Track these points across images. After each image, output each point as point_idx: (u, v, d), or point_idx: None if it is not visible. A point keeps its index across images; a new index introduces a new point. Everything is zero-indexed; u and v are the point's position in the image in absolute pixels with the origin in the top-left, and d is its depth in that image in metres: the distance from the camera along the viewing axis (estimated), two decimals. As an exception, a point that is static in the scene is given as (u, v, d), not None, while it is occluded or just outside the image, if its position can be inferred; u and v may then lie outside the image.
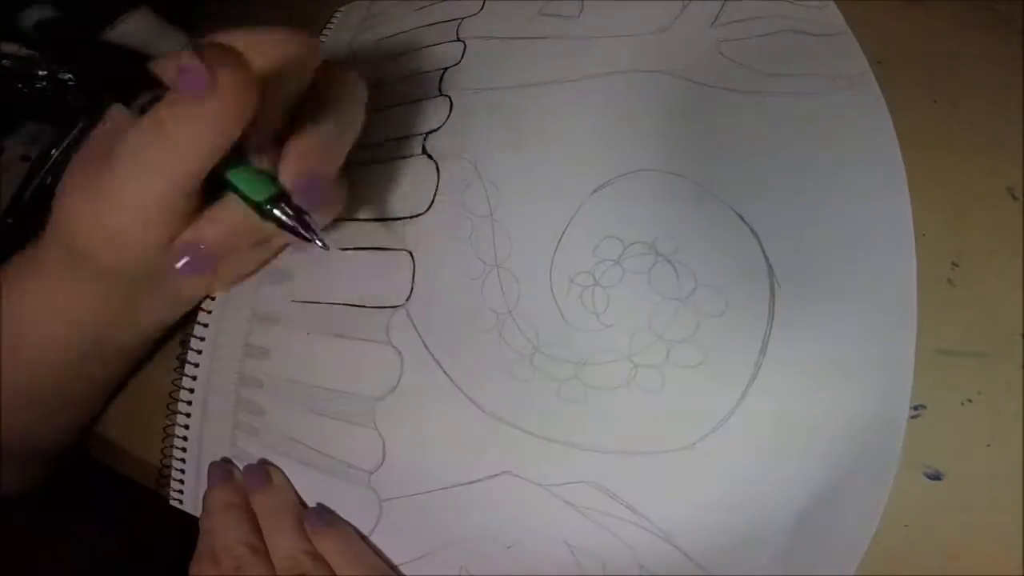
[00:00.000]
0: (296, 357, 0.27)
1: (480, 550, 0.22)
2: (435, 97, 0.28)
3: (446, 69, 0.28)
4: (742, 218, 0.21)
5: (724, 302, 0.20)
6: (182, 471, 0.29)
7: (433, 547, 0.23)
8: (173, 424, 0.29)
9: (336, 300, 0.26)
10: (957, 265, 0.19)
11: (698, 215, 0.21)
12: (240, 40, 0.20)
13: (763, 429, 0.19)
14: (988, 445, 0.18)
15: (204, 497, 0.27)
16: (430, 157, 0.27)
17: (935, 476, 0.17)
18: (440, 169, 0.26)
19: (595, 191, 0.23)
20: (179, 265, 0.21)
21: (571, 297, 0.22)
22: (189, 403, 0.29)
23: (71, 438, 0.31)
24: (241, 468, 0.27)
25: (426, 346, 0.24)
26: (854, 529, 0.18)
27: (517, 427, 0.22)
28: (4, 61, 0.40)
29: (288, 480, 0.26)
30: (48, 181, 0.40)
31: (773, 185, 0.21)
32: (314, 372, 0.26)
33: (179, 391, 0.29)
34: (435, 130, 0.27)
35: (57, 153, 0.41)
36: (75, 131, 0.42)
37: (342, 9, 0.37)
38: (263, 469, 0.26)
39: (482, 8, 0.29)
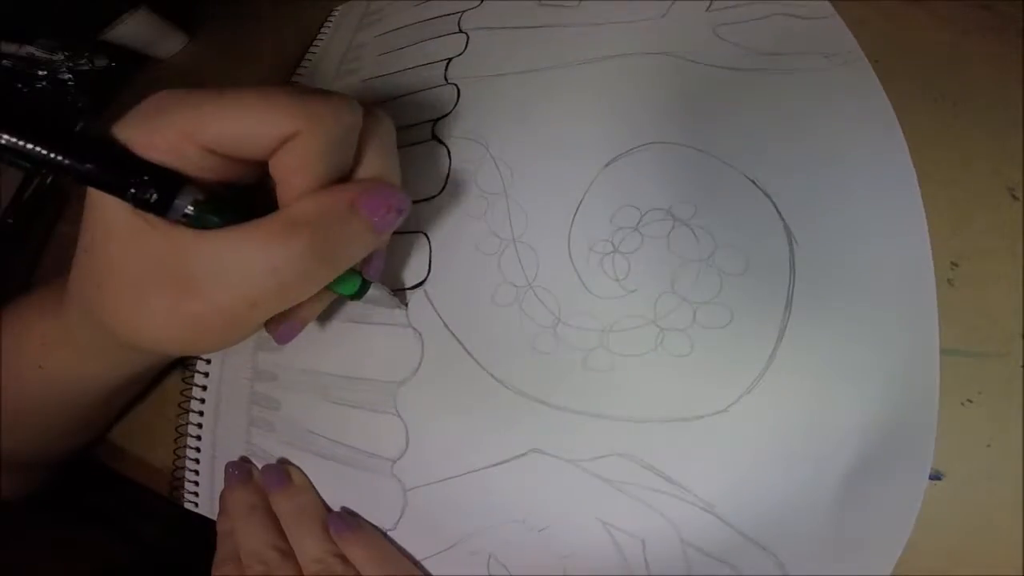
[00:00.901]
0: (311, 346, 0.26)
1: (510, 535, 0.21)
2: (442, 86, 0.28)
3: (451, 59, 0.28)
4: (755, 183, 0.21)
5: (745, 260, 0.20)
6: (196, 472, 0.28)
7: (461, 536, 0.22)
8: (186, 424, 0.28)
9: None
10: (957, 265, 0.19)
11: (712, 182, 0.21)
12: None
13: (797, 387, 0.19)
14: (988, 445, 0.18)
15: (222, 498, 0.25)
16: (440, 141, 0.26)
17: (935, 476, 0.17)
18: (451, 152, 0.26)
19: (608, 164, 0.23)
20: (276, 337, 0.21)
21: (591, 265, 0.22)
22: (202, 401, 0.28)
23: (79, 451, 0.31)
24: (259, 466, 0.26)
25: (446, 325, 0.23)
26: (904, 489, 0.17)
27: (543, 402, 0.21)
28: (4, 61, 0.40)
29: (308, 479, 0.25)
30: (48, 181, 0.40)
31: (783, 152, 0.21)
32: (331, 360, 0.25)
33: (191, 389, 0.28)
34: (444, 116, 0.27)
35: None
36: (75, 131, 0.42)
37: (339, 8, 0.37)
38: (282, 469, 0.25)
39: (482, 1, 0.30)
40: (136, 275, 0.18)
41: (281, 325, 0.21)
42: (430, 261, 0.25)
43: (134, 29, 0.41)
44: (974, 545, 0.17)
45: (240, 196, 0.19)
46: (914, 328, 0.19)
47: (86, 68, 0.41)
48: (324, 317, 0.26)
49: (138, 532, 0.33)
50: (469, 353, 0.23)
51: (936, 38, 0.23)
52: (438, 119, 0.27)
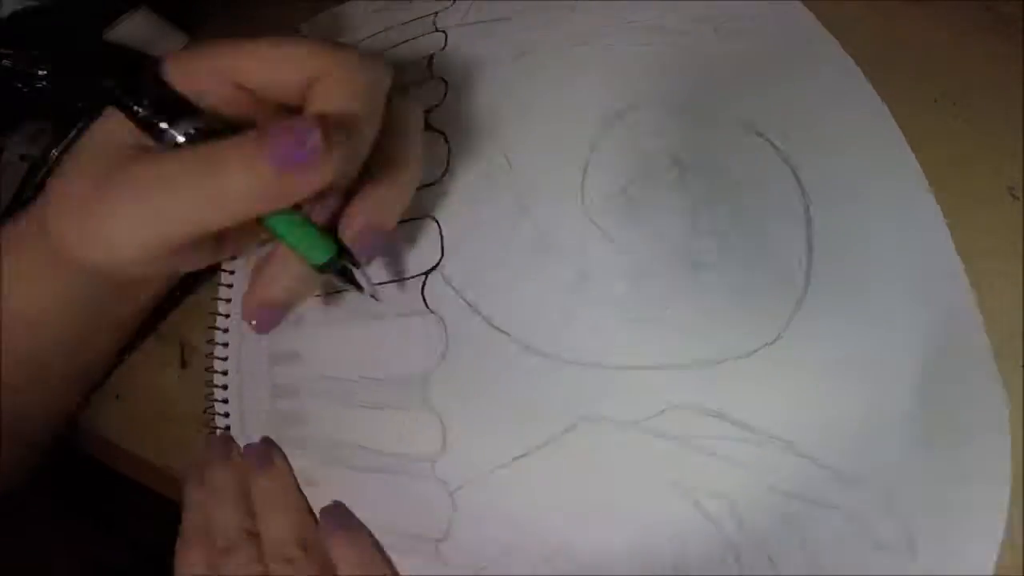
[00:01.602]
0: (328, 351, 0.25)
1: (575, 525, 0.19)
2: (428, 80, 0.28)
3: (432, 55, 0.28)
4: (748, 128, 0.21)
5: (758, 192, 0.20)
6: None
7: (520, 535, 0.20)
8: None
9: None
10: (957, 265, 0.19)
11: (708, 132, 0.21)
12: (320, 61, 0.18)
13: (841, 301, 0.18)
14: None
15: (200, 469, 0.25)
16: (436, 130, 0.26)
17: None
18: (448, 137, 0.26)
19: (608, 126, 0.23)
20: (252, 325, 0.21)
21: (609, 218, 0.21)
22: (227, 422, 0.27)
23: (65, 417, 0.30)
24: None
25: (468, 303, 0.23)
26: (986, 394, 0.17)
27: (583, 363, 0.20)
28: (4, 61, 0.40)
29: (288, 463, 0.25)
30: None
31: (777, 102, 0.21)
32: (351, 362, 0.24)
33: (214, 418, 0.28)
34: (436, 106, 0.27)
35: (57, 153, 0.41)
36: (75, 131, 0.42)
37: (303, 26, 0.36)
38: (266, 450, 0.25)
39: (454, 1, 0.30)
40: (103, 189, 0.18)
41: (256, 310, 0.20)
42: (442, 244, 0.24)
43: (134, 29, 0.41)
44: (974, 545, 0.17)
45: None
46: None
47: (86, 68, 0.41)
48: (336, 317, 0.25)
49: (135, 532, 0.33)
50: (497, 328, 0.22)
51: (936, 38, 0.23)
52: (430, 109, 0.27)
